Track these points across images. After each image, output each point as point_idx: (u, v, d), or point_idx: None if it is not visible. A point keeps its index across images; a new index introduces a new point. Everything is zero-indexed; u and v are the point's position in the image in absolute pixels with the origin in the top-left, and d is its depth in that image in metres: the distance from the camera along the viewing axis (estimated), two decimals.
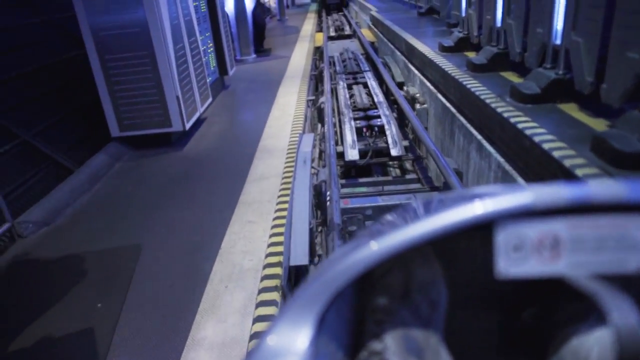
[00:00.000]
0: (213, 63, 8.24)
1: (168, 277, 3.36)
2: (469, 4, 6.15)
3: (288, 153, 5.37)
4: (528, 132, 3.29)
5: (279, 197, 4.32)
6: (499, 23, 5.11)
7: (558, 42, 3.90)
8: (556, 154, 2.92)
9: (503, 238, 0.39)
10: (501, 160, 3.72)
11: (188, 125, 6.02)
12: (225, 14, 9.19)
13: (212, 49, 8.19)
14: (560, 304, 0.47)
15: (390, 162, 5.72)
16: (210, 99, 7.19)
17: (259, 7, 11.86)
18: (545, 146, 3.04)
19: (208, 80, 7.37)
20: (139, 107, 5.84)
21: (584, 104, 3.78)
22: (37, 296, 3.29)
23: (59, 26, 7.28)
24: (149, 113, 5.87)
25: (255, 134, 6.12)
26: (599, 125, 3.41)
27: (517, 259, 0.39)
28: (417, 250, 0.44)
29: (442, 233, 0.40)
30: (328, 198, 3.94)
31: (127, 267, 3.51)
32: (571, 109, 3.77)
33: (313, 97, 7.79)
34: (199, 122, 6.69)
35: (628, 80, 2.96)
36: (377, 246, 0.41)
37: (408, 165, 5.73)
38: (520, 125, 3.42)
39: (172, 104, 5.80)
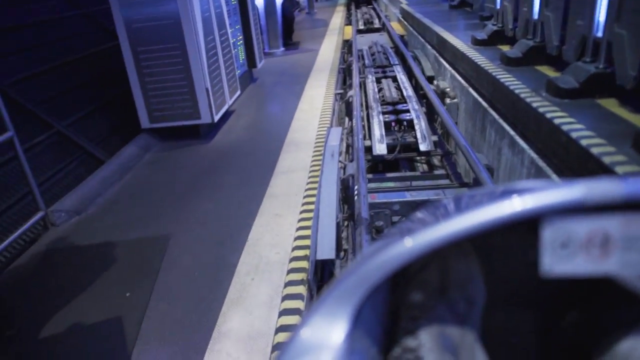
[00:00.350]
0: (242, 56, 8.26)
1: (195, 268, 3.38)
2: None
3: (315, 146, 5.35)
4: (565, 127, 3.18)
5: (306, 190, 4.31)
6: (535, 15, 4.94)
7: (599, 34, 3.75)
8: (595, 150, 2.80)
9: (549, 234, 0.37)
10: (535, 156, 3.61)
11: (217, 118, 6.06)
12: (255, 7, 9.20)
13: (241, 41, 8.22)
14: (607, 308, 0.44)
15: (419, 157, 5.63)
16: (238, 92, 7.21)
17: (288, 0, 11.83)
18: (584, 142, 2.92)
19: (237, 73, 7.39)
20: (169, 99, 5.90)
21: (625, 100, 3.62)
22: (68, 283, 3.36)
23: (95, 19, 7.43)
24: (178, 105, 5.93)
25: (282, 126, 6.11)
26: None
27: (563, 256, 0.37)
28: (456, 246, 0.42)
29: (487, 228, 0.38)
30: (356, 192, 3.90)
31: (155, 257, 3.55)
32: (611, 105, 3.62)
33: (341, 91, 7.73)
34: (227, 115, 6.73)
35: None
36: (417, 241, 0.39)
37: (436, 160, 5.63)
38: (556, 121, 3.30)
39: (202, 96, 5.84)
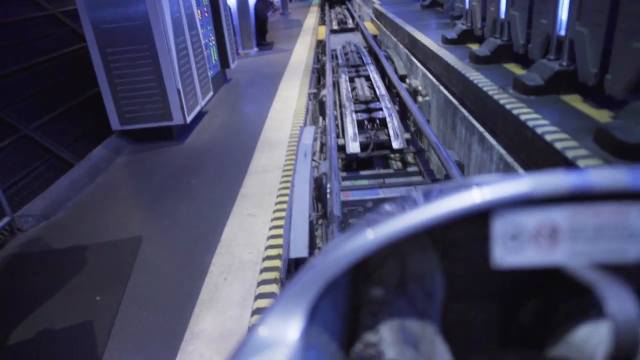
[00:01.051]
0: (215, 56, 8.20)
1: (168, 270, 3.35)
2: None
3: (289, 146, 5.34)
4: (530, 123, 3.25)
5: (279, 189, 4.30)
6: (502, 15, 5.05)
7: (562, 33, 3.85)
8: (558, 145, 2.88)
9: (500, 227, 0.39)
10: (503, 152, 3.69)
11: (189, 119, 6.00)
12: (227, 8, 9.14)
13: (213, 42, 8.15)
14: (562, 298, 0.46)
15: (392, 155, 5.69)
16: (211, 93, 7.15)
17: (261, 0, 11.80)
18: (548, 137, 3.00)
19: (210, 74, 7.34)
20: (140, 100, 5.82)
21: (587, 96, 3.73)
22: (36, 290, 3.29)
23: (62, 20, 7.27)
24: (150, 106, 5.85)
25: (256, 126, 6.09)
26: (602, 116, 3.36)
27: (513, 248, 0.38)
28: (413, 240, 0.43)
29: (438, 222, 0.39)
30: (328, 190, 3.93)
31: (127, 260, 3.50)
32: (574, 101, 3.73)
33: (315, 90, 7.76)
34: (200, 116, 6.67)
35: (633, 71, 2.92)
36: (369, 236, 0.40)
37: (410, 157, 5.70)
38: (522, 117, 3.38)
39: (173, 97, 5.78)
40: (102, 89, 5.76)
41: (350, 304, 0.44)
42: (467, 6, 6.38)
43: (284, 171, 4.70)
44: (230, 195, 4.31)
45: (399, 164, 5.75)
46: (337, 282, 0.39)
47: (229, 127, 6.43)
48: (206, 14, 7.91)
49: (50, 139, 5.28)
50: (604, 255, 0.38)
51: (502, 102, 3.74)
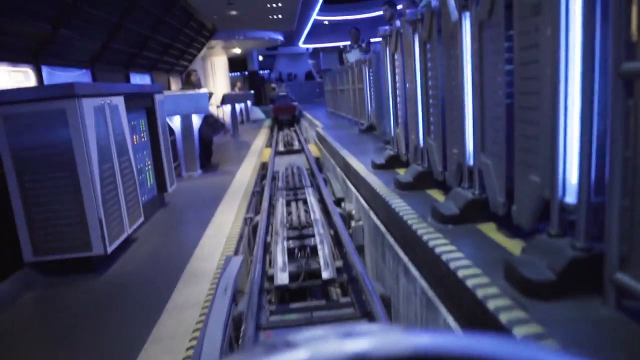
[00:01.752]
0: (150, 181, 8.08)
1: None
2: (396, 123, 6.40)
3: (215, 277, 5.04)
4: (445, 257, 3.16)
5: (193, 331, 3.93)
6: (422, 143, 5.25)
7: (471, 162, 3.96)
8: (470, 282, 2.76)
9: None
10: (424, 285, 3.54)
11: (110, 249, 5.65)
12: (167, 131, 9.23)
13: (150, 166, 8.08)
14: None
15: (327, 285, 5.47)
16: (141, 219, 6.89)
17: (206, 124, 12.12)
18: (460, 273, 2.89)
19: (143, 199, 7.15)
20: (57, 230, 5.51)
21: (502, 224, 3.74)
22: None
23: None
24: (68, 236, 5.52)
25: (184, 256, 5.80)
26: (515, 246, 3.32)
27: None
28: None
29: None
30: (241, 333, 3.61)
31: None
32: (489, 230, 3.72)
33: (252, 215, 7.64)
34: (128, 243, 6.35)
35: (534, 203, 2.95)
36: None
37: (347, 286, 5.47)
38: (437, 250, 3.30)
39: (94, 227, 5.49)
40: (17, 219, 5.43)
41: None
42: (392, 133, 6.68)
43: (203, 308, 4.36)
44: (139, 339, 3.89)
45: (339, 291, 5.50)
46: None
47: (155, 256, 6.10)
48: (143, 139, 7.95)
49: None
50: None
51: (420, 232, 3.68)
